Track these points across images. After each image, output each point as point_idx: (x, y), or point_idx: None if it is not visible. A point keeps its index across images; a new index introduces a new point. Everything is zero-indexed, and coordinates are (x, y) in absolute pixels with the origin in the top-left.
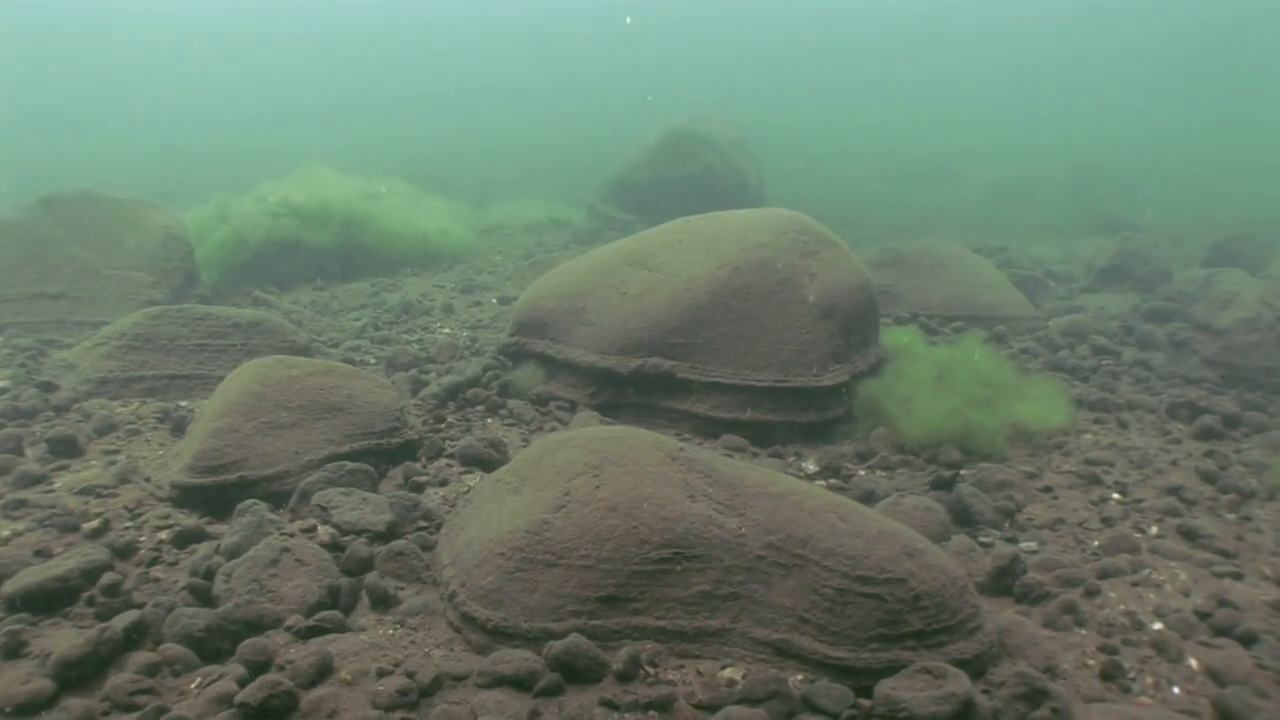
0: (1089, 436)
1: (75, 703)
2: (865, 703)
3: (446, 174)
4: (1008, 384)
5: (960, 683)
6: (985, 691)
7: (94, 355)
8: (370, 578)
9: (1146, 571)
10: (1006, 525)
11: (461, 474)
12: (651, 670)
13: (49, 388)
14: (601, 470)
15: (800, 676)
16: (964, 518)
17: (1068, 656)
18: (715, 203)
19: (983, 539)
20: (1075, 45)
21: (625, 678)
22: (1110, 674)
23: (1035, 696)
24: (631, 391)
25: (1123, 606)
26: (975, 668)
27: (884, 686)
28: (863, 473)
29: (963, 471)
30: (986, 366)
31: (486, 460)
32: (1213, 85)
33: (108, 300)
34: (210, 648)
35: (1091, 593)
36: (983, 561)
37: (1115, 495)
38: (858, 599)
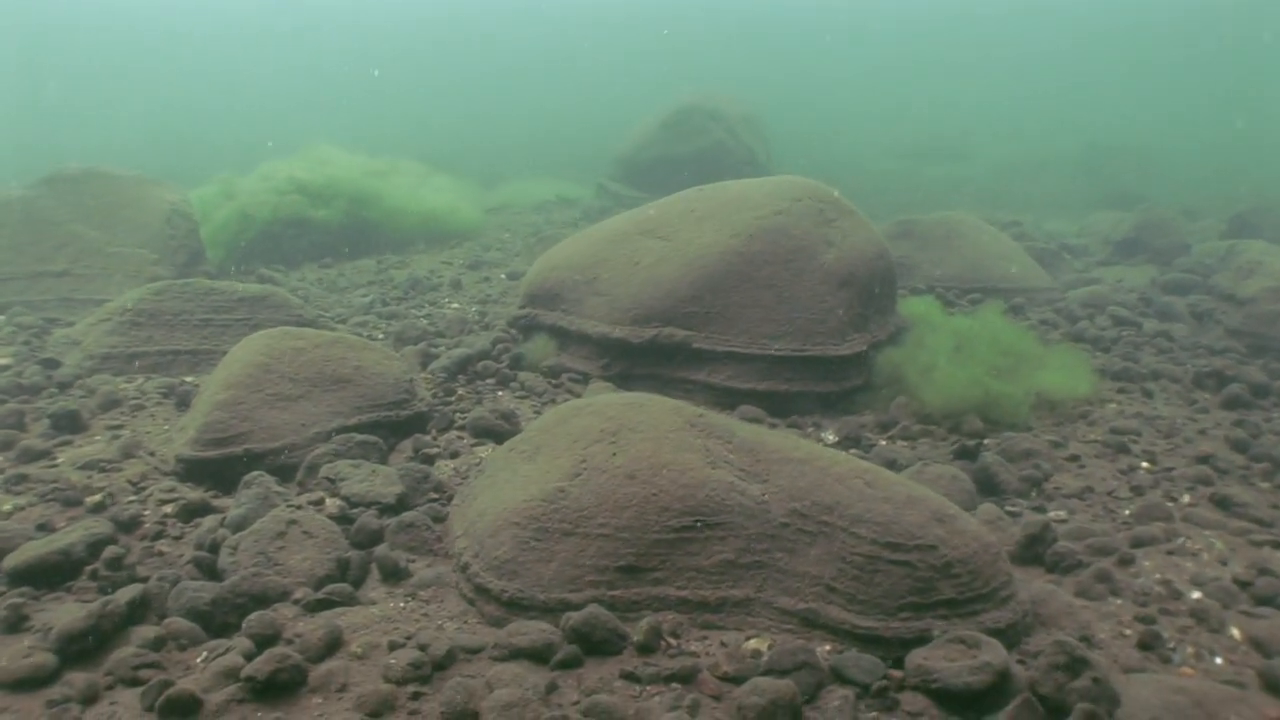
0: (1113, 406)
1: (78, 676)
2: (896, 673)
3: (453, 155)
4: (1029, 353)
5: (996, 652)
6: (1020, 662)
7: (97, 331)
8: (380, 550)
9: (1181, 540)
10: (1033, 494)
11: (473, 446)
12: (673, 641)
13: (52, 364)
14: (619, 437)
15: (828, 647)
16: (989, 487)
17: (1103, 626)
18: (724, 178)
19: (1009, 508)
20: (1081, 22)
21: (646, 649)
22: (1149, 644)
23: (1075, 666)
24: (645, 362)
25: (1158, 575)
26: (1009, 637)
27: (915, 656)
28: (884, 443)
29: (986, 441)
30: (1007, 336)
31: (498, 432)
32: (1220, 59)
33: (112, 278)
34: (216, 621)
35: (1125, 561)
36: (1012, 530)
37: (1144, 464)
38: (887, 566)
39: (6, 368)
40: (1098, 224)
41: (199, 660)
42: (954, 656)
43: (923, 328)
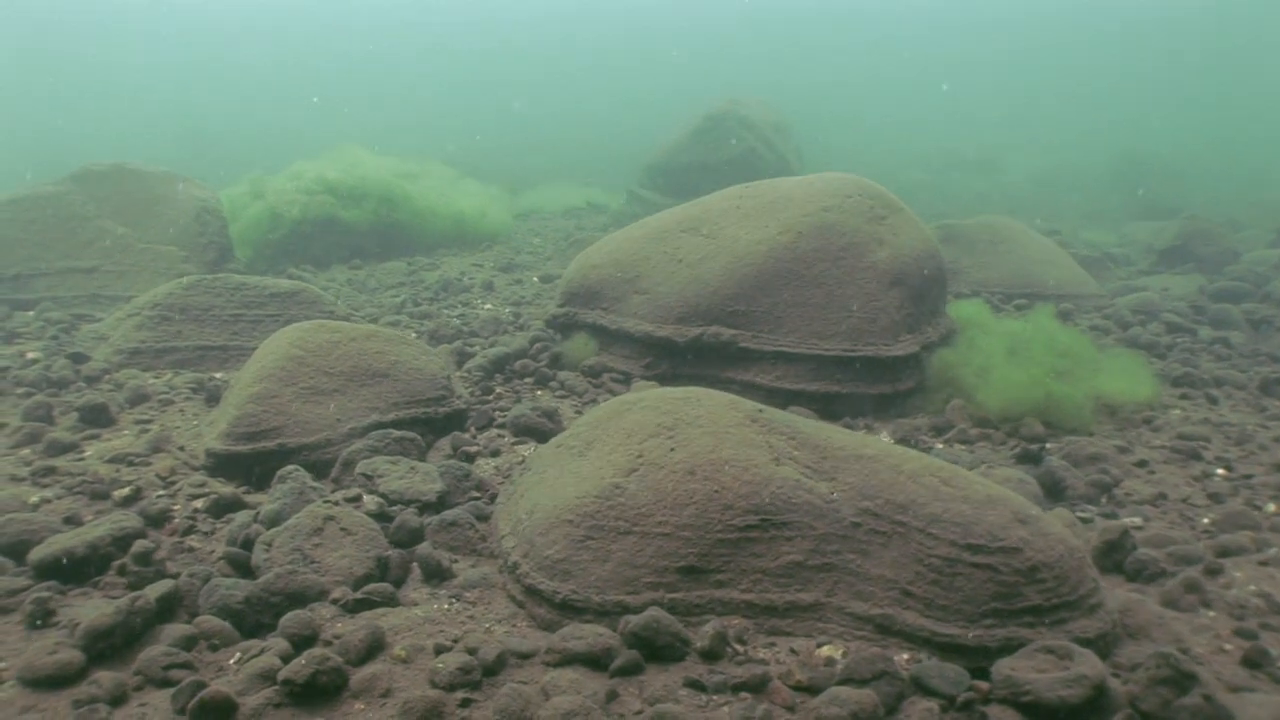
0: (1178, 412)
1: (106, 675)
2: (982, 685)
3: (481, 161)
4: (1086, 356)
5: (1091, 664)
6: (1113, 675)
7: (126, 326)
8: (422, 549)
9: (1274, 550)
10: (1103, 500)
11: (514, 444)
12: (739, 648)
13: (80, 359)
14: (676, 431)
15: (906, 656)
16: (1056, 492)
17: (1199, 640)
18: None
19: (1080, 514)
20: (1103, 28)
21: (711, 656)
22: (1256, 661)
23: (1181, 681)
24: (690, 362)
25: (1253, 587)
26: (1098, 648)
27: (1002, 667)
28: (940, 446)
29: (1048, 445)
30: (1063, 339)
31: (540, 430)
32: (1249, 71)
33: (140, 275)
34: (249, 621)
35: (1213, 571)
36: (1087, 537)
37: (1220, 471)
38: (968, 569)
39: (34, 362)
40: (1137, 233)
41: (233, 661)
42: (1044, 667)
43: (973, 330)
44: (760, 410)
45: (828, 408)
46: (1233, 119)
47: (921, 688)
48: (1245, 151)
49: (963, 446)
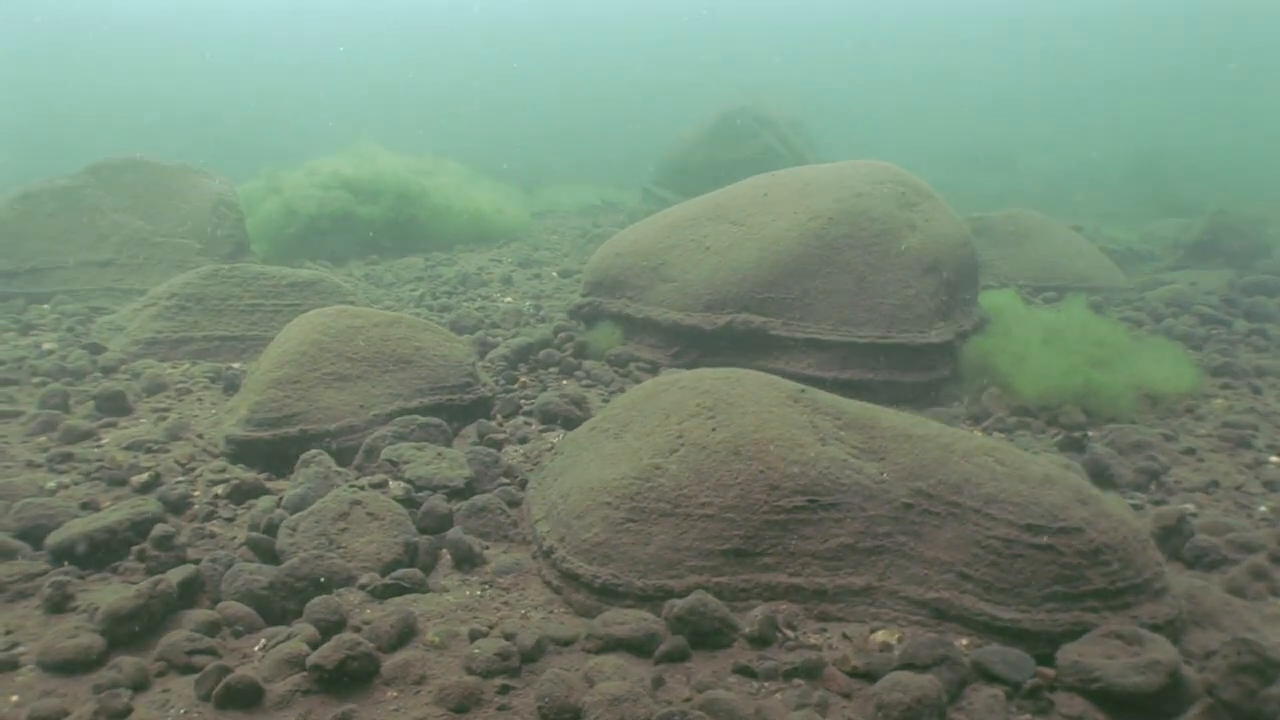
0: (1220, 401)
1: (127, 660)
2: (1048, 671)
3: (495, 159)
4: (1123, 345)
5: (1164, 650)
6: (1186, 662)
7: (143, 316)
8: (452, 534)
9: None
10: (1152, 487)
11: (541, 431)
12: (789, 633)
13: (96, 349)
14: (718, 411)
15: (965, 641)
16: (1103, 479)
17: (1273, 630)
18: None
19: (1130, 501)
20: (1114, 24)
21: (760, 641)
22: None
23: (1266, 670)
24: (718, 350)
25: None
26: (1168, 634)
27: (1069, 652)
28: (979, 434)
29: (1091, 433)
30: (1098, 328)
31: (568, 417)
32: (1262, 69)
33: (156, 267)
34: (274, 607)
35: (1277, 559)
36: (1142, 522)
37: (1274, 459)
38: (1028, 551)
39: (50, 352)
40: (1161, 230)
41: (257, 648)
42: (1113, 653)
43: (1006, 319)
44: (802, 390)
45: (861, 395)
46: (1251, 117)
47: (984, 674)
48: (1265, 149)
49: (1002, 434)
